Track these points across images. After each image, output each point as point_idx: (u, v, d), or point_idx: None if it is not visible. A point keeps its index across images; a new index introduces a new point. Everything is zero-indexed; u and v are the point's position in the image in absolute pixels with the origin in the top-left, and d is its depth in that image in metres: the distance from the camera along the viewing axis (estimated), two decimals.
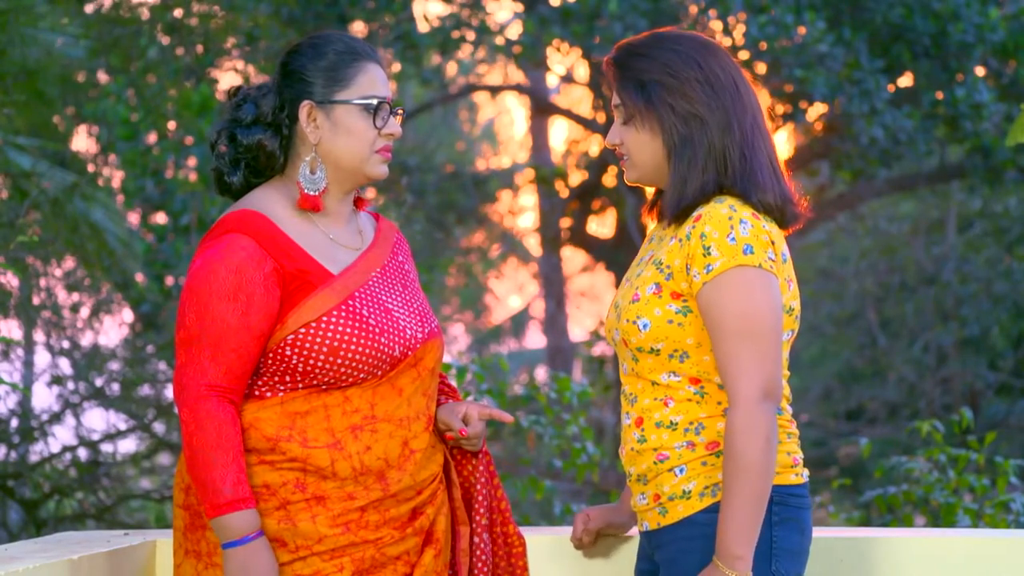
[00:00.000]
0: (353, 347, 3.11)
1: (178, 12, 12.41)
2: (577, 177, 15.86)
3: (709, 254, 2.95)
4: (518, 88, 17.14)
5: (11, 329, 9.51)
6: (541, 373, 19.54)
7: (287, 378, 3.14)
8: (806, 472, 3.09)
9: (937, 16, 12.10)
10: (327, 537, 3.11)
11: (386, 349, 3.15)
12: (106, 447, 9.44)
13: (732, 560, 2.90)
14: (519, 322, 24.73)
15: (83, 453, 9.38)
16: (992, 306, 17.18)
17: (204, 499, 3.05)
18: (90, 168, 11.18)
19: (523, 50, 12.65)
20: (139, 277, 10.22)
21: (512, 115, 25.31)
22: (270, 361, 3.13)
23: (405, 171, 15.45)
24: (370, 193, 12.85)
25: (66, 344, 9.66)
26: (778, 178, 3.08)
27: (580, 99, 17.82)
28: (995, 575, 3.52)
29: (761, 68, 12.20)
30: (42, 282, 9.75)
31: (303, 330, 3.10)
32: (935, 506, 6.49)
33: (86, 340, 10.02)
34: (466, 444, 3.32)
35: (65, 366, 9.50)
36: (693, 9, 12.36)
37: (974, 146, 12.80)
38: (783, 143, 15.61)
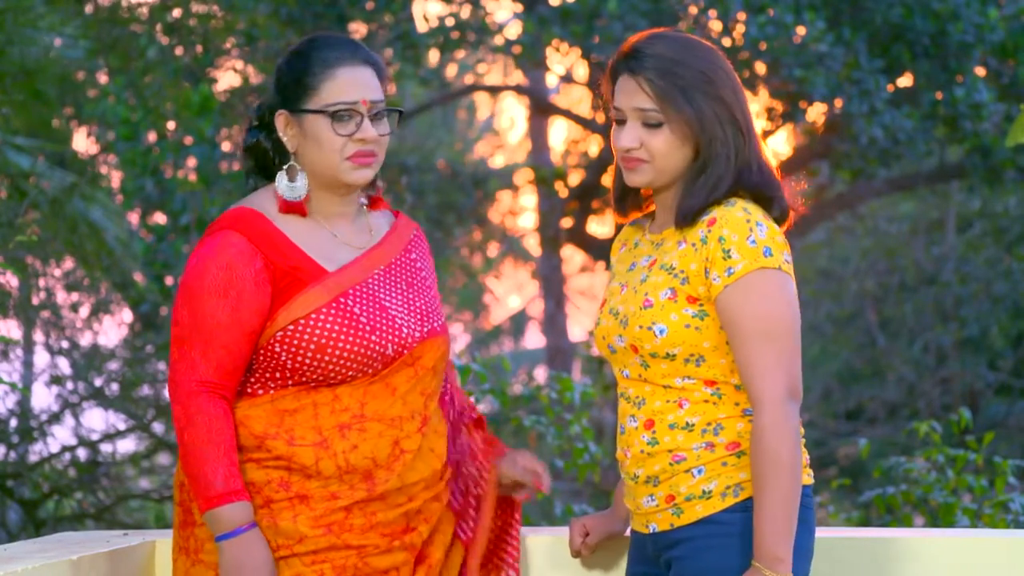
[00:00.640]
0: (341, 344, 3.11)
1: (177, 12, 12.41)
2: (576, 177, 15.84)
3: (729, 257, 2.97)
4: (517, 88, 17.13)
5: (10, 329, 9.52)
6: (540, 373, 19.53)
7: (277, 375, 3.14)
8: (811, 472, 3.11)
9: (937, 16, 12.09)
10: (308, 538, 3.10)
11: (377, 347, 3.14)
12: (105, 447, 9.45)
13: (774, 562, 2.91)
14: (518, 322, 24.74)
15: (82, 453, 9.38)
16: (992, 306, 17.17)
17: (197, 494, 3.07)
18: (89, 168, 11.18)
19: (522, 50, 12.64)
20: (138, 277, 10.22)
21: (511, 115, 25.33)
22: (261, 358, 3.14)
23: (404, 171, 15.44)
24: None
25: (65, 344, 9.66)
26: (774, 176, 3.11)
27: (580, 99, 17.82)
28: (994, 575, 3.52)
29: (761, 68, 12.19)
30: (41, 282, 9.75)
31: (292, 326, 3.11)
32: (934, 506, 6.49)
33: (85, 340, 10.03)
34: (517, 492, 3.44)
35: (64, 366, 9.51)
36: (693, 9, 12.36)
37: (974, 146, 12.79)
38: (783, 143, 15.62)
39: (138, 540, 3.58)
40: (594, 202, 15.05)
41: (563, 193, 15.44)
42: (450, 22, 12.87)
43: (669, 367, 3.04)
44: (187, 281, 3.13)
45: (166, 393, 9.34)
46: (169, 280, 10.60)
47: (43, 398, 9.51)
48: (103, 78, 11.98)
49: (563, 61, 14.44)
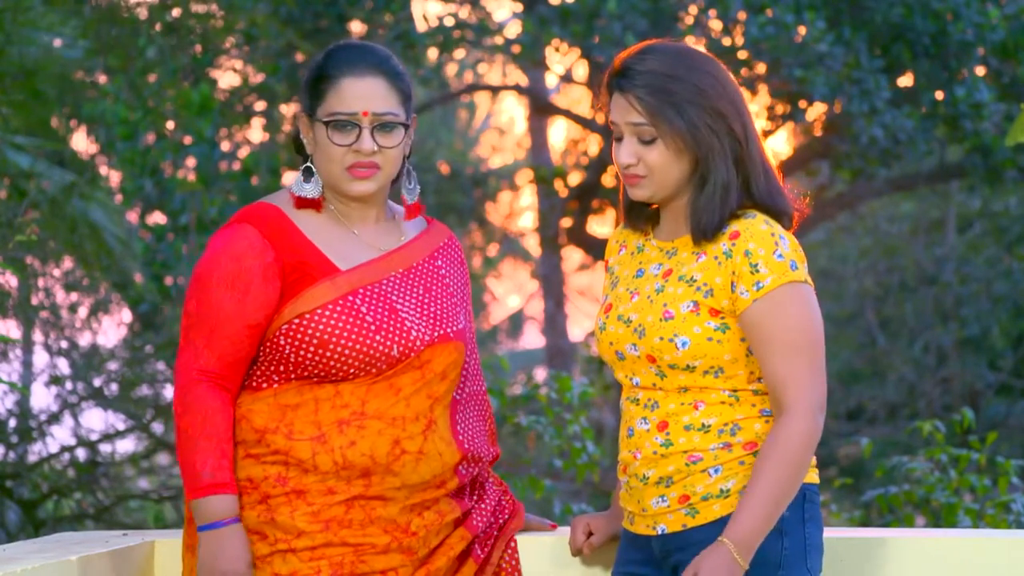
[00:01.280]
0: (344, 341, 3.12)
1: (176, 12, 12.39)
2: (576, 177, 15.83)
3: (757, 271, 3.00)
4: (517, 88, 17.13)
5: (9, 329, 9.50)
6: (540, 373, 19.54)
7: (280, 368, 3.16)
8: (817, 472, 3.14)
9: (937, 16, 12.09)
10: (305, 533, 3.11)
11: (381, 348, 3.15)
12: (105, 447, 9.44)
13: (747, 551, 2.95)
14: (517, 322, 24.75)
15: (81, 453, 9.37)
16: (992, 306, 17.18)
17: (185, 482, 3.11)
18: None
19: (522, 50, 12.64)
20: (138, 277, 10.22)
21: (511, 115, 25.33)
22: (266, 350, 3.16)
23: None
24: None
25: (64, 344, 9.65)
26: (777, 181, 3.13)
27: (579, 99, 17.82)
28: None
29: (761, 68, 12.20)
30: (40, 282, 9.74)
31: (296, 320, 3.13)
32: (936, 506, 6.48)
33: (84, 340, 10.02)
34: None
35: (63, 366, 9.50)
36: (693, 9, 12.35)
37: (974, 146, 12.79)
38: (783, 143, 15.62)
39: (137, 540, 3.57)
40: (594, 202, 15.05)
41: (563, 193, 15.43)
42: (450, 22, 12.87)
43: (688, 378, 3.07)
44: (198, 271, 3.17)
45: (166, 393, 9.35)
46: (168, 280, 10.60)
47: (42, 398, 9.50)
48: (102, 78, 11.96)
49: (563, 61, 14.45)
